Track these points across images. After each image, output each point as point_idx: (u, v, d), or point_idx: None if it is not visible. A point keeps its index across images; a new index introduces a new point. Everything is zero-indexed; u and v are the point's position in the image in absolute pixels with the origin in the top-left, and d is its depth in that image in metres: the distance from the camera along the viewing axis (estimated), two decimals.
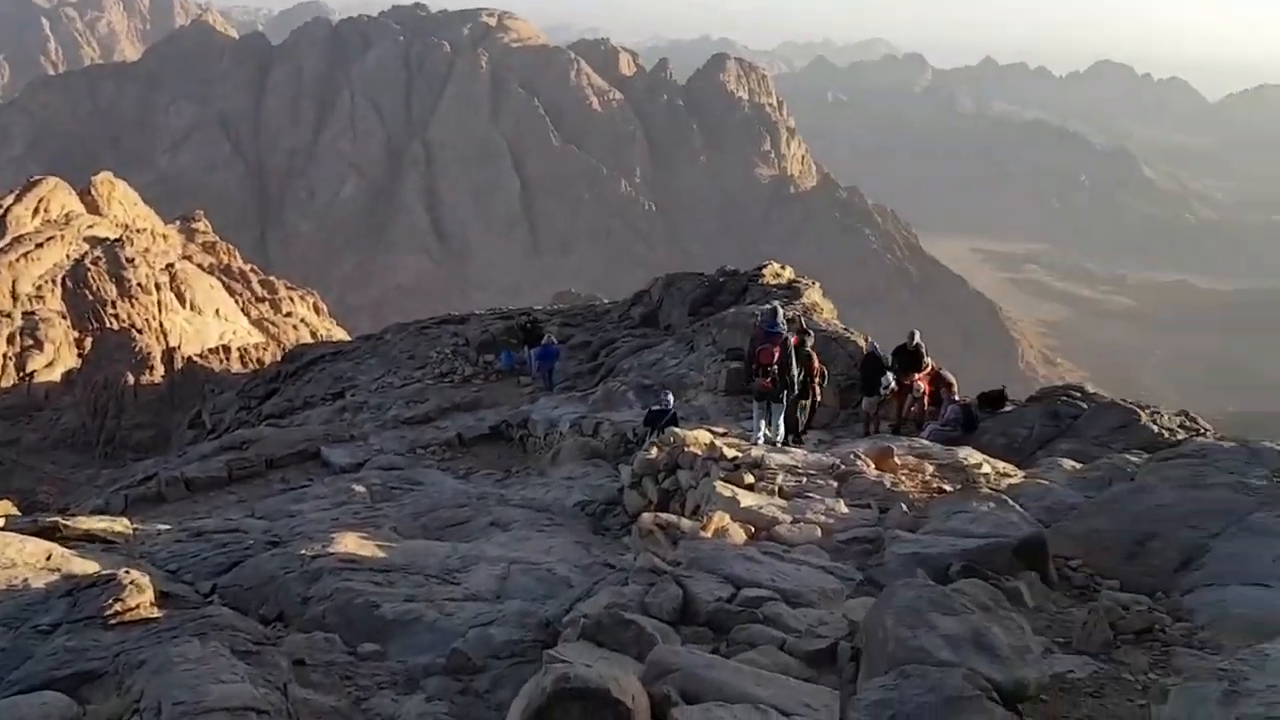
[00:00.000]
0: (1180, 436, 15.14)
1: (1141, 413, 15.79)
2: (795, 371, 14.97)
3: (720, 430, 17.26)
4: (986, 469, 12.27)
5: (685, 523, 8.12)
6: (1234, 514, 8.84)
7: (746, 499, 9.37)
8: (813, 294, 27.85)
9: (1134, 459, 12.60)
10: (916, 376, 17.27)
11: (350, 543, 10.42)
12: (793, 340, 15.51)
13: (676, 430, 14.63)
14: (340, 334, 65.23)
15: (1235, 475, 9.55)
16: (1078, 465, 13.47)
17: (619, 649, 5.51)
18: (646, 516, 8.17)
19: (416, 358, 32.69)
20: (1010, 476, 12.18)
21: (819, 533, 8.54)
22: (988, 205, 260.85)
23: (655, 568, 6.95)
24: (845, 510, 9.24)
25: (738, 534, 8.34)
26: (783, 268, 30.98)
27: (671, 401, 18.23)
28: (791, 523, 8.72)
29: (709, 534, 8.06)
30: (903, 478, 11.33)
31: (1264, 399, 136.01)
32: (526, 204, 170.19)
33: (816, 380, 16.86)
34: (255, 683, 6.39)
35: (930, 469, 11.95)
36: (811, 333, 18.50)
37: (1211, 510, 8.96)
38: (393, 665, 7.65)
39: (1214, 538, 8.63)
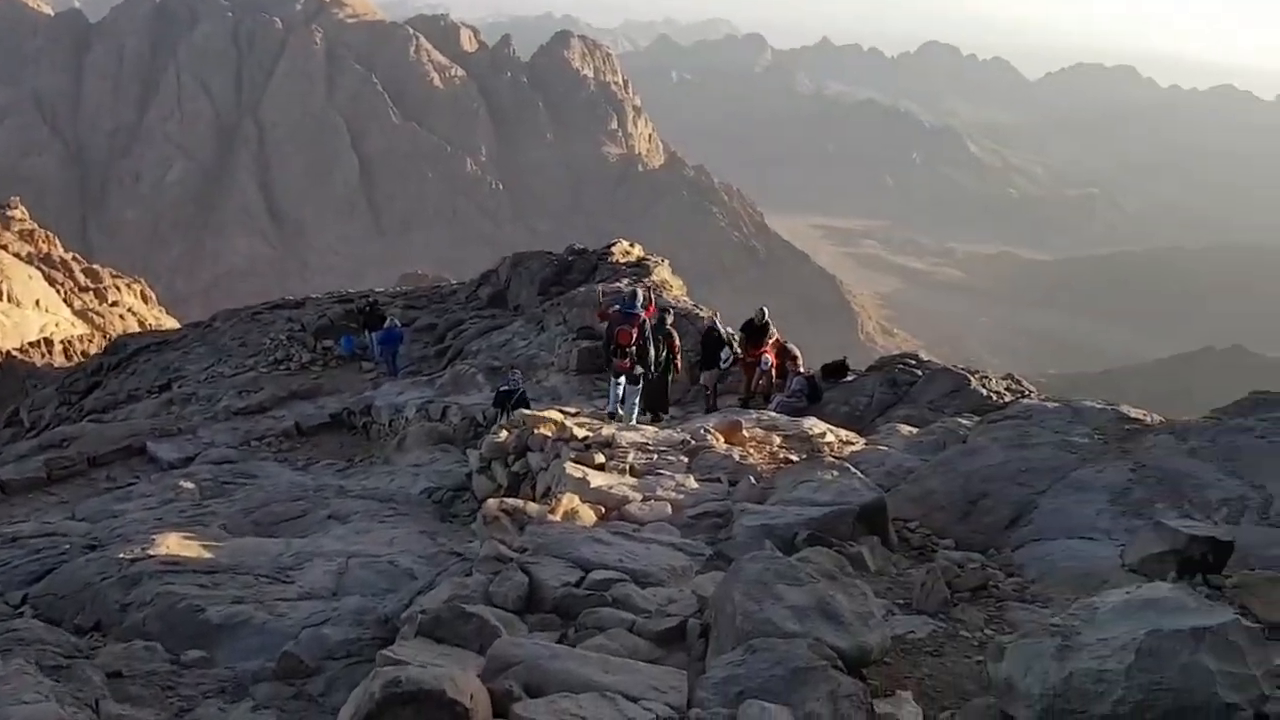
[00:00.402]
0: (1007, 399, 15.87)
1: (971, 378, 16.46)
2: (654, 352, 15.06)
3: (572, 410, 17.10)
4: (830, 438, 12.53)
5: (532, 507, 7.89)
6: (1058, 471, 9.25)
7: (597, 479, 9.23)
8: (662, 271, 27.96)
9: (965, 422, 13.09)
10: (764, 349, 17.49)
11: (173, 544, 9.78)
12: (646, 314, 15.56)
13: (526, 412, 14.38)
14: (171, 323, 61.88)
15: (1059, 434, 10.00)
16: (914, 430, 13.93)
17: (460, 643, 5.26)
18: (491, 502, 7.88)
19: (249, 345, 31.20)
20: (852, 444, 12.48)
21: (669, 509, 8.47)
22: (827, 183, 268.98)
23: (500, 555, 6.71)
24: (695, 485, 9.21)
25: (587, 515, 8.18)
26: (632, 245, 30.98)
27: (520, 381, 17.97)
28: (642, 501, 8.62)
29: (557, 517, 7.88)
30: (751, 450, 11.43)
31: (1080, 361, 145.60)
32: (366, 184, 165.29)
33: (678, 358, 16.98)
34: (63, 701, 5.87)
35: (777, 440, 12.10)
36: (671, 310, 18.58)
37: (1038, 468, 9.36)
38: (220, 672, 7.18)
39: (1040, 494, 9.01)
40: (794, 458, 11.30)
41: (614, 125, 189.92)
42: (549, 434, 12.04)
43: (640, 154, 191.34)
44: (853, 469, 9.13)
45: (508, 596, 6.07)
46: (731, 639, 5.12)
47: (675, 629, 5.65)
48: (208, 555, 9.73)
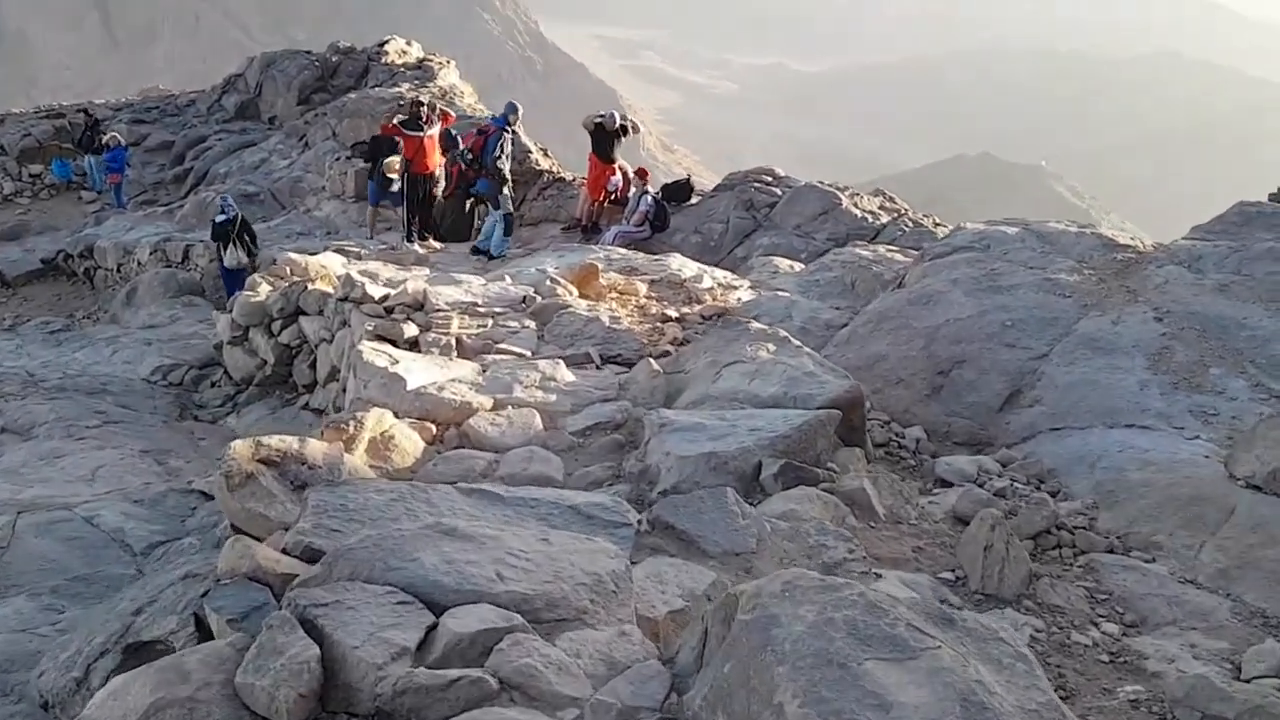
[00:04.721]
0: (884, 219, 13.50)
1: (842, 196, 13.91)
2: (502, 164, 12.00)
3: (353, 248, 13.45)
4: (707, 281, 9.68)
5: (315, 448, 4.43)
6: (1057, 323, 6.77)
7: (416, 371, 5.90)
8: (449, 75, 23.63)
9: (864, 252, 10.57)
10: (615, 166, 14.04)
11: None
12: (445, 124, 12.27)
13: (294, 256, 10.69)
14: None
15: (1037, 270, 7.48)
16: (794, 264, 11.33)
17: None
18: (241, 449, 4.24)
19: None
20: (736, 288, 9.67)
21: (538, 421, 5.36)
22: None
23: (260, 575, 3.46)
24: (568, 376, 6.08)
25: (408, 445, 4.95)
26: (409, 43, 26.19)
27: (233, 206, 14.14)
28: (493, 409, 5.47)
29: (359, 456, 4.63)
30: (615, 305, 8.40)
31: (849, 171, 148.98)
32: None
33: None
34: None
35: (643, 289, 9.12)
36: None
37: (1026, 320, 6.85)
38: None
39: (1042, 359, 6.53)
40: (672, 313, 8.38)
41: None
42: (331, 291, 8.56)
43: None
44: (791, 338, 6.30)
45: (276, 701, 2.88)
46: None
47: None
48: None
